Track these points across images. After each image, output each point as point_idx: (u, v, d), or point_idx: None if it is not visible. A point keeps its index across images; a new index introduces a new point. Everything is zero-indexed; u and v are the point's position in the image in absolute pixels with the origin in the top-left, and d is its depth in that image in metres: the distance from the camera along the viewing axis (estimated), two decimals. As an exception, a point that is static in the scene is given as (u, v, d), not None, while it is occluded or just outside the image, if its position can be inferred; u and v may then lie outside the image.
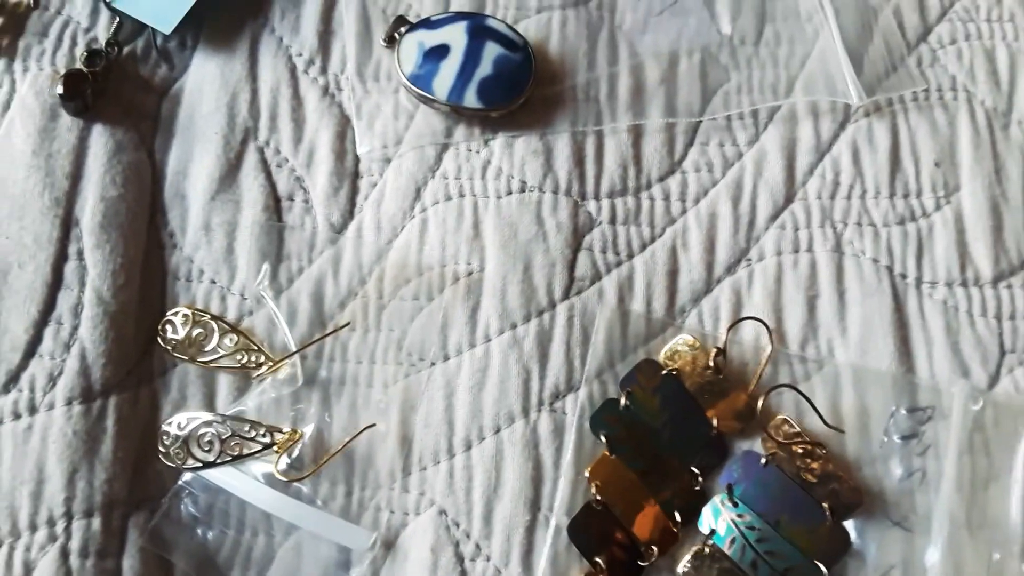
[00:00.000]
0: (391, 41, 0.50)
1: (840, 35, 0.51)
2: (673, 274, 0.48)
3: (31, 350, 0.45)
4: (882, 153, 0.49)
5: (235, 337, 0.45)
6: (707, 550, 0.43)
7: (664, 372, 0.45)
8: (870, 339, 0.46)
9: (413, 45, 0.49)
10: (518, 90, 0.49)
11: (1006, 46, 0.52)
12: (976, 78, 0.51)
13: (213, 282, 0.47)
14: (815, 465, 0.43)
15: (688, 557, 0.43)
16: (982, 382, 0.45)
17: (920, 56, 0.52)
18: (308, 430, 0.45)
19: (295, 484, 0.44)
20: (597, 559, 0.43)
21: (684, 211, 0.49)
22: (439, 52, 0.49)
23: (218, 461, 0.43)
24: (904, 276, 0.47)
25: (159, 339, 0.46)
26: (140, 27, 0.50)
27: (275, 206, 0.48)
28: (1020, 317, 0.47)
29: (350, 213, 0.49)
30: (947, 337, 0.46)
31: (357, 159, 0.49)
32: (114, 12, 0.50)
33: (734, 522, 0.43)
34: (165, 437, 0.44)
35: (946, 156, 0.49)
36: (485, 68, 0.49)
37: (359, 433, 0.44)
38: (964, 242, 0.48)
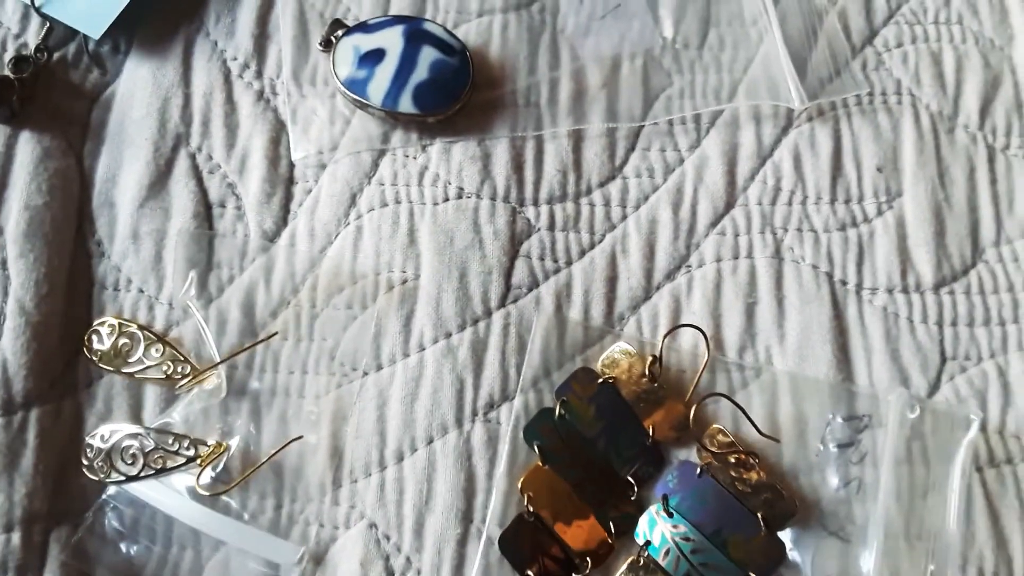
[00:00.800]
0: (327, 45, 0.50)
1: (784, 39, 0.50)
2: (612, 281, 0.47)
3: (-49, 362, 0.44)
4: (824, 158, 0.49)
5: (161, 347, 0.45)
6: (642, 561, 0.42)
7: (600, 381, 0.44)
8: (808, 346, 0.45)
9: (349, 49, 0.49)
10: (455, 95, 0.48)
11: (953, 48, 0.51)
12: (921, 81, 0.51)
13: (141, 291, 0.46)
14: (749, 475, 0.42)
15: (623, 569, 0.42)
16: (922, 389, 0.45)
17: (865, 59, 0.51)
18: (235, 442, 0.44)
19: (223, 498, 0.43)
20: (529, 572, 0.42)
21: (624, 217, 0.48)
22: (375, 56, 0.48)
23: (141, 475, 0.42)
24: (844, 282, 0.47)
25: (85, 350, 0.45)
26: (71, 32, 0.49)
27: (206, 213, 0.48)
28: (962, 324, 0.46)
29: (283, 220, 0.48)
30: (887, 344, 0.45)
31: (291, 165, 0.49)
32: (44, 17, 0.49)
33: (669, 533, 0.42)
34: (88, 450, 0.43)
35: (889, 161, 0.49)
36: (421, 73, 0.48)
37: (286, 445, 0.43)
38: (906, 248, 0.47)
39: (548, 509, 0.43)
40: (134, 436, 0.43)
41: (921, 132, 0.49)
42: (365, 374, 0.45)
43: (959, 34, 0.52)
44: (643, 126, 0.50)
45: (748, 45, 0.51)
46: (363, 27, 0.49)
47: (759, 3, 0.51)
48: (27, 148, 0.47)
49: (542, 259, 0.47)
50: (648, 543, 0.42)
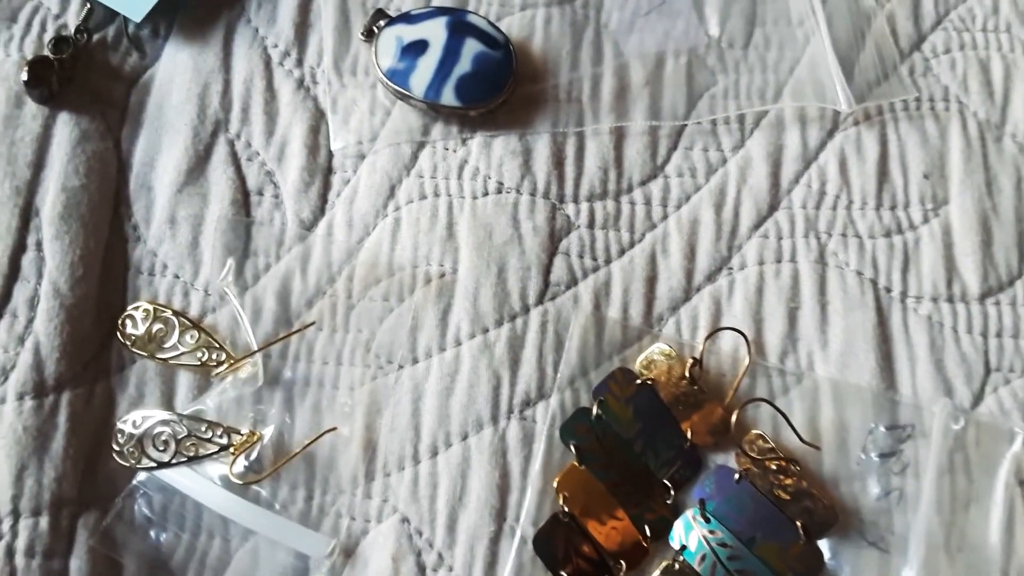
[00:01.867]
0: (369, 35, 0.49)
1: (831, 41, 0.50)
2: (651, 281, 0.46)
3: (-16, 342, 0.43)
4: (870, 163, 0.48)
5: (196, 334, 0.44)
6: (677, 566, 0.41)
7: (639, 382, 0.44)
8: (851, 353, 0.44)
9: (391, 39, 0.48)
10: (497, 89, 0.48)
11: (1001, 57, 0.50)
12: (969, 89, 0.50)
13: (177, 277, 0.46)
14: (789, 482, 0.42)
15: (657, 572, 0.41)
16: (966, 400, 0.44)
17: (913, 65, 0.50)
18: (268, 432, 0.43)
19: (254, 487, 0.43)
20: (563, 572, 0.41)
21: (665, 216, 0.47)
22: (418, 48, 0.48)
23: (173, 461, 0.42)
24: (889, 290, 0.46)
25: (118, 334, 0.44)
26: (112, 14, 0.49)
27: (244, 200, 0.47)
28: (1007, 335, 0.45)
29: (321, 210, 0.47)
30: (931, 354, 0.45)
31: (330, 155, 0.48)
32: (85, -2, 0.48)
33: (706, 538, 0.41)
34: (119, 435, 0.43)
35: (936, 168, 0.48)
36: (464, 65, 0.47)
37: (319, 436, 0.42)
38: (951, 256, 0.46)
39: (583, 509, 0.42)
40: (166, 423, 0.43)
41: (969, 140, 0.49)
42: (400, 367, 0.45)
43: (1007, 42, 0.51)
44: (686, 125, 0.49)
45: (794, 46, 0.50)
46: (406, 17, 0.49)
47: (806, 3, 0.51)
48: (65, 129, 0.47)
49: (581, 257, 0.47)
50: (684, 548, 0.41)
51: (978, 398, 0.44)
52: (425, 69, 0.47)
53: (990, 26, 0.51)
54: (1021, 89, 0.50)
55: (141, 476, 0.43)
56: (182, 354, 0.44)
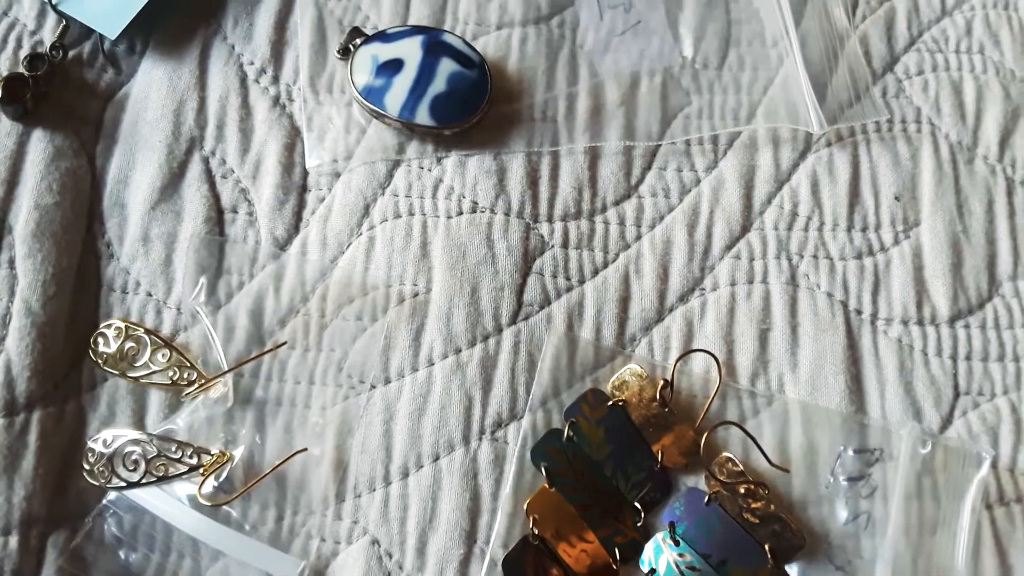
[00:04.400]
0: (345, 53, 0.49)
1: (804, 62, 0.50)
2: (624, 301, 0.46)
3: (-45, 360, 0.43)
4: (842, 184, 0.48)
5: (168, 353, 0.44)
6: (646, 589, 0.41)
7: (610, 403, 0.44)
8: (821, 375, 0.45)
9: (367, 58, 0.48)
10: (472, 108, 0.48)
11: (974, 78, 0.51)
12: (941, 110, 0.50)
13: (149, 295, 0.46)
14: (757, 505, 0.42)
15: (626, 595, 0.42)
16: (935, 423, 0.44)
17: (885, 86, 0.51)
18: (239, 452, 0.43)
19: (224, 508, 0.43)
20: (532, 595, 0.41)
21: (639, 236, 0.48)
22: (393, 66, 0.48)
23: (143, 481, 0.42)
24: (859, 312, 0.46)
25: (90, 352, 0.44)
26: (87, 31, 0.49)
27: (218, 218, 0.47)
28: (976, 358, 0.46)
29: (295, 228, 0.47)
30: (900, 376, 0.45)
31: (305, 172, 0.48)
32: (60, 15, 0.48)
33: (675, 562, 0.41)
34: (90, 454, 0.43)
35: (907, 190, 0.48)
36: (439, 85, 0.47)
37: (290, 456, 0.42)
38: (922, 279, 0.47)
39: (553, 532, 0.42)
40: (136, 442, 0.43)
41: (940, 162, 0.49)
42: (373, 387, 0.45)
43: (980, 64, 0.51)
44: (660, 145, 0.49)
45: (768, 66, 0.51)
46: (382, 36, 0.49)
47: (780, 24, 0.51)
48: (39, 146, 0.47)
49: (555, 276, 0.47)
50: (653, 571, 0.42)
51: (947, 421, 0.44)
52: (400, 88, 0.47)
53: (963, 47, 0.52)
54: (993, 111, 0.50)
55: (111, 496, 0.43)
56: (153, 373, 0.44)
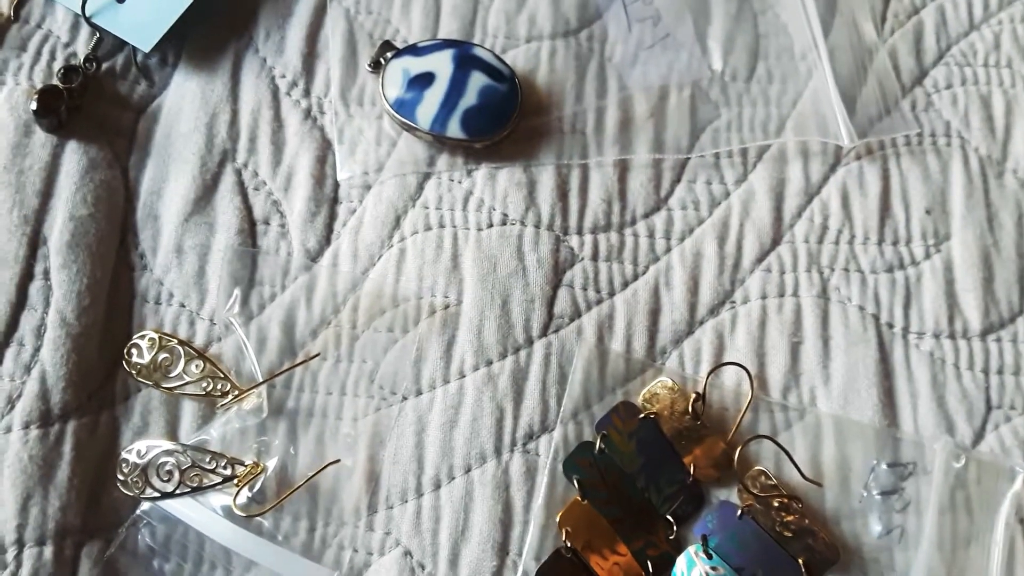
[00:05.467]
0: (376, 66, 0.50)
1: (833, 75, 0.50)
2: (655, 314, 0.47)
3: (-9, 371, 0.44)
4: (872, 198, 0.48)
5: (202, 364, 0.44)
6: (678, 602, 0.41)
7: (641, 416, 0.44)
8: (854, 389, 0.45)
9: (398, 71, 0.49)
10: (502, 121, 0.48)
11: (1003, 92, 0.51)
12: (971, 124, 0.50)
13: (182, 306, 0.46)
14: (791, 519, 0.42)
15: (659, 609, 0.41)
16: (967, 437, 0.44)
17: (915, 100, 0.51)
18: (272, 463, 0.43)
19: (256, 518, 0.43)
20: (564, 608, 0.41)
21: (668, 249, 0.48)
22: (424, 80, 0.48)
23: (177, 492, 0.42)
24: (891, 325, 0.46)
25: (124, 363, 0.45)
26: (121, 43, 0.49)
27: (250, 230, 0.47)
28: (1008, 372, 0.45)
29: (327, 239, 0.47)
30: (932, 390, 0.45)
31: (336, 185, 0.48)
32: (94, 28, 0.49)
33: (707, 575, 0.41)
34: (124, 465, 0.43)
35: (937, 203, 0.48)
36: (470, 98, 0.48)
37: (323, 468, 0.43)
38: (953, 292, 0.47)
39: (585, 544, 0.42)
40: (170, 453, 0.43)
41: (970, 176, 0.49)
42: (404, 399, 0.45)
43: (1008, 78, 0.51)
44: (689, 158, 0.49)
45: (797, 80, 0.51)
46: (413, 50, 0.49)
47: (809, 37, 0.51)
48: (73, 158, 0.47)
49: (585, 289, 0.47)
50: (685, 583, 0.42)
51: (979, 435, 0.44)
52: (431, 101, 0.48)
53: (991, 61, 0.52)
54: (1022, 125, 0.50)
55: (145, 506, 0.43)
56: (187, 384, 0.44)
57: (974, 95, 0.51)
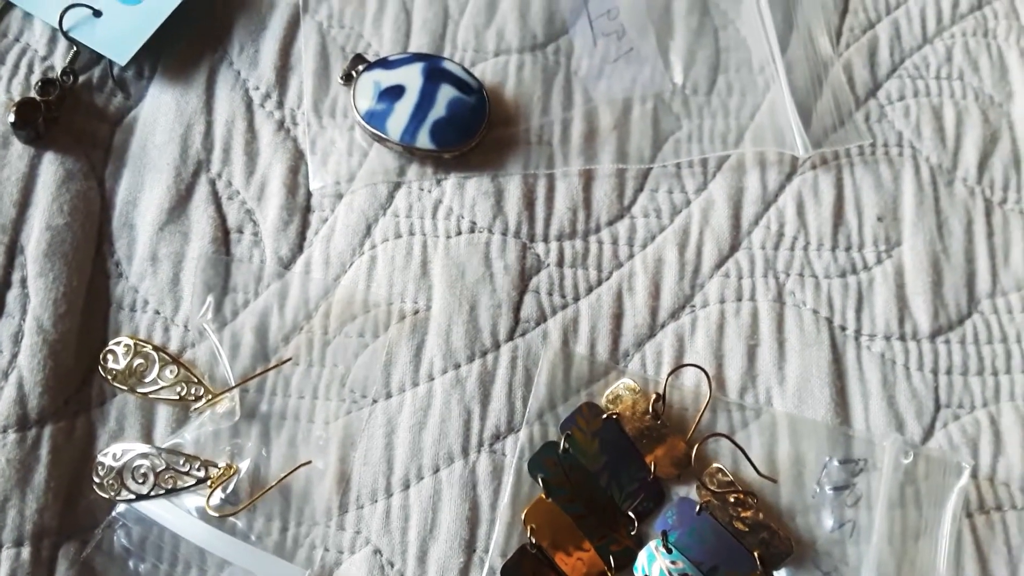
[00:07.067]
0: (348, 79, 0.51)
1: (790, 88, 0.52)
2: (618, 318, 0.48)
3: (-31, 377, 0.45)
4: (826, 206, 0.50)
5: (176, 369, 0.45)
6: (640, 596, 0.43)
7: (604, 416, 0.45)
8: (807, 389, 0.46)
9: (369, 84, 0.50)
10: (471, 133, 0.49)
11: (953, 104, 0.53)
12: (922, 134, 0.52)
13: (157, 313, 0.47)
14: (747, 514, 0.43)
15: (621, 603, 0.43)
16: (916, 435, 0.46)
17: (868, 111, 0.53)
18: (245, 465, 0.45)
19: (230, 519, 0.44)
20: (530, 603, 0.43)
21: (631, 256, 0.49)
22: (394, 92, 0.49)
23: (151, 494, 0.43)
24: (843, 328, 0.48)
25: (100, 368, 0.46)
26: (97, 56, 0.51)
27: (224, 238, 0.49)
28: (956, 372, 0.47)
29: (299, 247, 0.49)
30: (883, 390, 0.47)
31: (309, 194, 0.50)
32: (71, 41, 0.50)
33: (668, 569, 0.43)
34: (100, 468, 0.44)
35: (889, 211, 0.50)
36: (439, 110, 0.49)
37: (295, 469, 0.44)
38: (904, 296, 0.49)
39: (550, 541, 0.43)
40: (145, 456, 0.44)
41: (921, 184, 0.51)
42: (374, 402, 0.46)
43: (960, 90, 0.53)
44: (652, 168, 0.51)
45: (755, 92, 0.53)
46: (384, 63, 0.50)
47: (767, 51, 0.53)
48: (50, 169, 0.48)
49: (550, 294, 0.48)
50: (647, 577, 0.43)
51: (928, 433, 0.46)
52: (401, 113, 0.49)
53: (943, 74, 0.54)
54: (972, 135, 0.52)
55: (120, 508, 0.44)
56: (161, 388, 0.45)
57: (926, 106, 0.53)
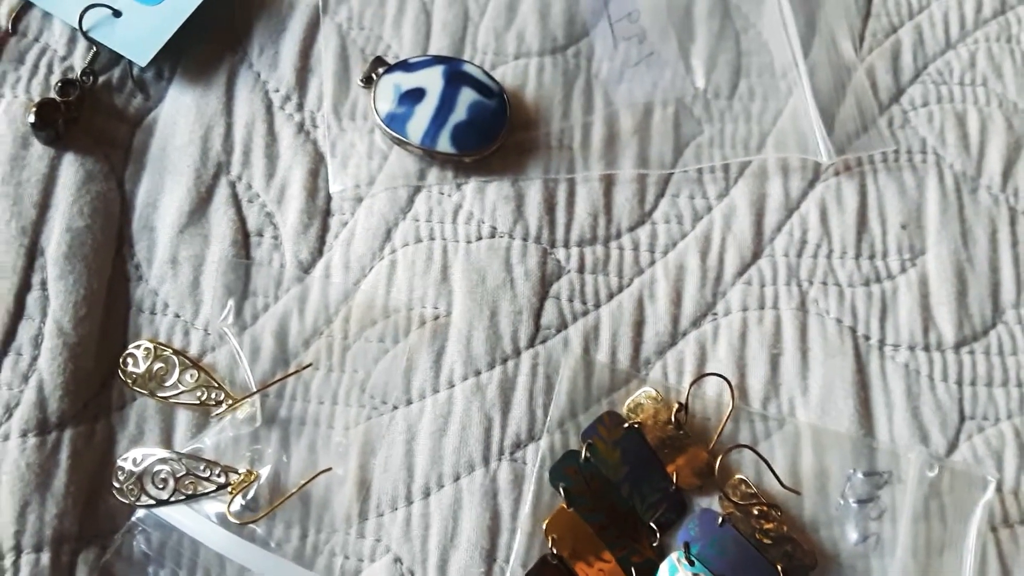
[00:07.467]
0: (368, 81, 0.51)
1: (813, 93, 0.51)
2: (639, 325, 0.48)
3: (-12, 380, 0.44)
4: (850, 213, 0.50)
5: (196, 373, 0.45)
6: (661, 607, 0.43)
7: (626, 425, 0.45)
8: (831, 399, 0.46)
9: (390, 87, 0.50)
10: (491, 137, 0.49)
11: (977, 110, 0.52)
12: (946, 141, 0.52)
13: (177, 316, 0.47)
14: (770, 526, 0.43)
15: (642, 613, 0.43)
16: (941, 447, 0.46)
17: (892, 117, 0.52)
18: (265, 471, 0.44)
19: (249, 525, 0.44)
20: (550, 613, 0.42)
21: (652, 262, 0.49)
22: (415, 95, 0.49)
23: (171, 499, 0.43)
24: (867, 337, 0.48)
25: (119, 372, 0.45)
26: (117, 57, 0.50)
27: (244, 241, 0.48)
28: (981, 383, 0.47)
29: (319, 251, 0.48)
30: (907, 401, 0.46)
31: (329, 197, 0.49)
32: (91, 42, 0.50)
33: (689, 580, 0.43)
34: (120, 472, 0.44)
35: (913, 219, 0.50)
36: (460, 114, 0.49)
37: (315, 476, 0.44)
38: (928, 306, 0.48)
39: (571, 551, 0.43)
40: (165, 461, 0.44)
41: (945, 192, 0.50)
42: (395, 408, 0.46)
43: (983, 96, 0.53)
44: (673, 173, 0.51)
45: (777, 97, 0.52)
46: (404, 66, 0.50)
47: (789, 56, 0.53)
48: (70, 171, 0.48)
49: (571, 301, 0.48)
50: (668, 588, 0.43)
51: (953, 445, 0.46)
52: (422, 116, 0.49)
53: (967, 80, 0.53)
54: (996, 142, 0.52)
55: (140, 513, 0.44)
56: (182, 393, 0.45)
57: (950, 113, 0.52)
